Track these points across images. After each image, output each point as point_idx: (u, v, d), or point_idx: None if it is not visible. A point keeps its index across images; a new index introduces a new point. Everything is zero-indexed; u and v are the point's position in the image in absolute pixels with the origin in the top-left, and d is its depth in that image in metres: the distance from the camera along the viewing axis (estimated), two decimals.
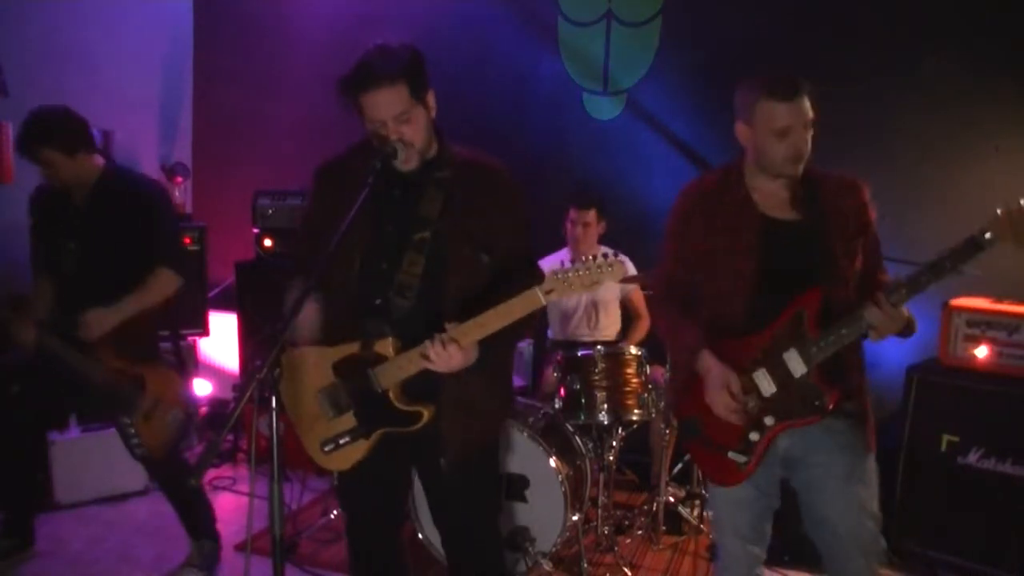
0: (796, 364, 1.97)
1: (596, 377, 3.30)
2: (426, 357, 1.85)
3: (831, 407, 1.97)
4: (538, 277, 1.79)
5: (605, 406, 3.27)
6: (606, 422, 3.30)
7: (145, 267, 2.85)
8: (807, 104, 1.99)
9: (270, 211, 4.38)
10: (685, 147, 4.22)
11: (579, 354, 3.34)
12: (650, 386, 3.35)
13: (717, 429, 2.09)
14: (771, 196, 2.08)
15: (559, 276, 1.72)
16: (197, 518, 3.16)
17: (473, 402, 2.01)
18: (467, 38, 4.53)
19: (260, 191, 4.44)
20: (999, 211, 1.81)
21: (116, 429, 2.91)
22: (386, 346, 1.94)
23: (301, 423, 2.11)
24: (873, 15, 3.80)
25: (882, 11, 3.78)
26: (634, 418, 3.34)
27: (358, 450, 2.03)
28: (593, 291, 1.74)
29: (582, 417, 3.29)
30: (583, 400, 3.28)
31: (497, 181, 2.04)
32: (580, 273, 1.71)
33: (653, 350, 3.47)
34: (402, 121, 1.90)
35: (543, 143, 4.43)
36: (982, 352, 3.19)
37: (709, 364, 2.03)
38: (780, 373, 1.99)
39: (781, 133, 1.98)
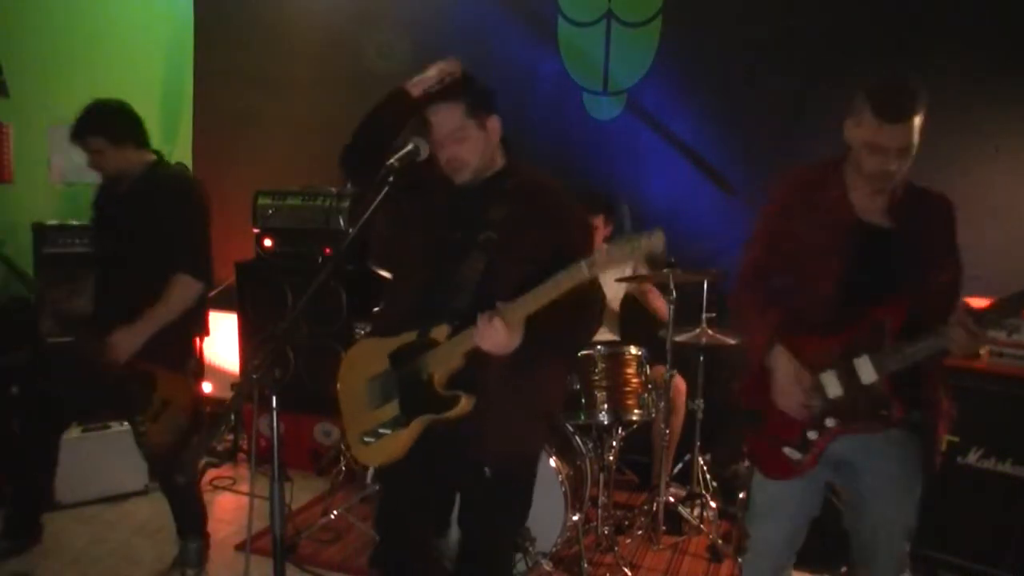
0: (867, 371, 1.96)
1: (596, 377, 3.30)
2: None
3: (897, 418, 1.97)
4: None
5: (605, 406, 3.26)
6: (606, 422, 3.30)
7: (166, 267, 2.86)
8: (913, 127, 1.90)
9: (270, 211, 4.38)
10: (685, 147, 4.22)
11: (579, 354, 3.34)
12: (650, 386, 3.35)
13: (777, 423, 2.10)
14: (869, 200, 2.04)
15: (602, 252, 1.77)
16: (191, 517, 3.16)
17: (516, 410, 2.04)
18: (467, 38, 4.52)
19: (260, 191, 4.43)
20: None
21: (130, 425, 2.98)
22: (441, 332, 1.99)
23: (348, 416, 2.17)
24: (873, 15, 3.80)
25: (882, 11, 3.78)
26: (634, 418, 3.34)
27: (397, 442, 2.03)
28: (634, 260, 1.79)
29: (582, 417, 3.28)
30: (583, 400, 3.28)
31: (562, 201, 2.12)
32: (620, 247, 1.76)
33: (653, 350, 3.47)
34: (456, 139, 2.03)
35: (543, 143, 4.42)
36: (982, 352, 3.19)
37: (781, 360, 2.04)
38: (849, 377, 1.99)
39: (872, 149, 1.93)
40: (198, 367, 3.07)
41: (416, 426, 2.01)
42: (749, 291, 2.20)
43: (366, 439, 2.08)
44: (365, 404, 2.09)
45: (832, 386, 2.01)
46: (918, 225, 2.00)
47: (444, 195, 2.10)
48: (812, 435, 2.05)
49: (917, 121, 1.89)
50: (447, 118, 2.04)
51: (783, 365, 2.04)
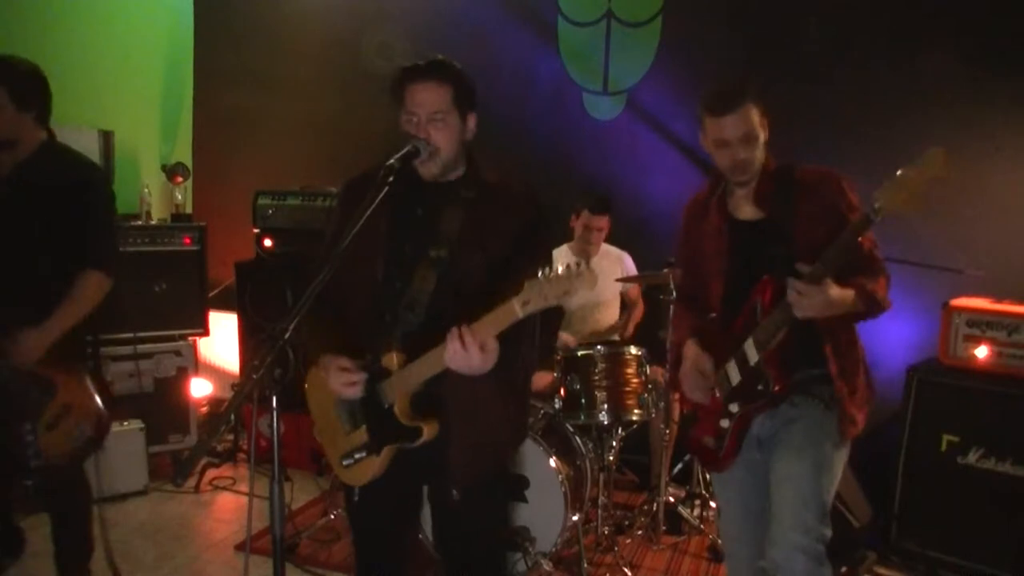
0: (751, 352, 2.09)
1: (596, 377, 3.30)
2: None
3: (777, 390, 2.07)
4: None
5: (605, 406, 3.27)
6: (606, 422, 3.30)
7: (70, 261, 2.58)
8: (748, 116, 2.05)
9: (270, 211, 4.38)
10: (685, 147, 4.21)
11: (579, 354, 3.34)
12: (650, 386, 3.35)
13: (700, 417, 2.27)
14: (740, 198, 2.20)
15: (534, 288, 1.69)
16: (79, 546, 2.86)
17: (484, 428, 1.99)
18: (467, 38, 4.52)
19: (260, 191, 4.43)
20: (884, 183, 1.88)
21: (11, 436, 2.53)
22: (391, 360, 1.93)
23: (326, 436, 2.13)
24: (873, 15, 3.79)
25: (882, 11, 3.78)
26: (634, 418, 3.34)
27: (373, 465, 2.01)
28: (565, 301, 1.74)
29: (582, 417, 3.29)
30: (583, 400, 3.28)
31: (522, 208, 2.02)
32: (553, 284, 1.68)
33: (653, 350, 3.47)
34: (434, 120, 1.90)
35: (543, 143, 4.43)
36: (982, 352, 3.19)
37: (688, 351, 2.22)
38: (742, 362, 2.12)
39: (719, 145, 2.09)
40: (98, 371, 2.74)
41: (387, 452, 1.99)
42: (676, 302, 2.47)
43: (345, 462, 2.05)
44: (339, 428, 2.05)
45: (734, 374, 2.14)
46: (787, 208, 2.11)
47: (394, 201, 1.90)
48: (724, 423, 2.19)
49: (751, 112, 2.05)
50: (432, 98, 1.89)
51: (688, 355, 2.21)
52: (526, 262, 1.94)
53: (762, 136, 2.10)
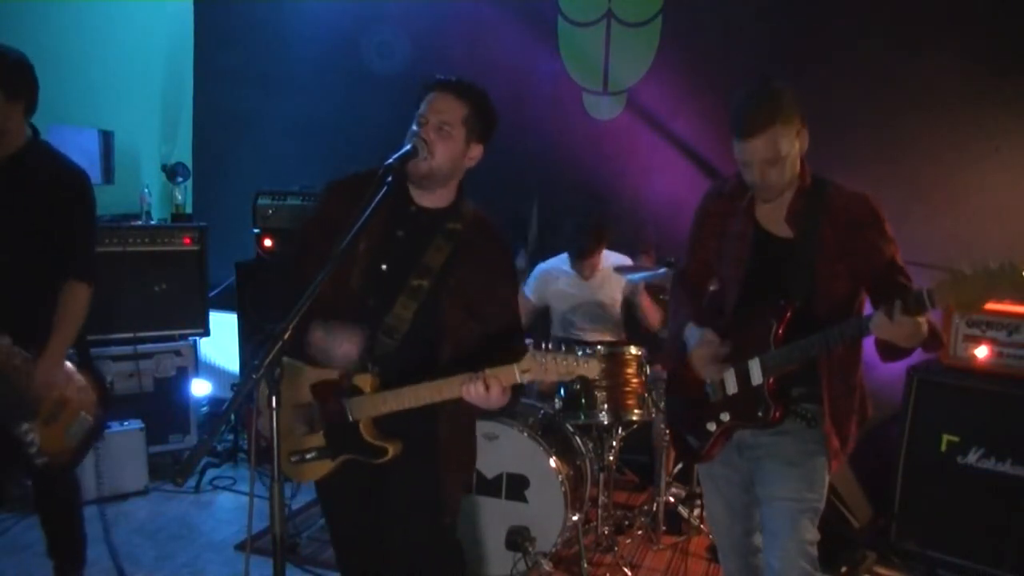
0: (756, 373, 2.07)
1: (596, 377, 3.28)
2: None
3: (774, 420, 2.05)
4: (518, 352, 1.85)
5: (605, 406, 3.26)
6: (606, 422, 3.29)
7: (53, 268, 2.51)
8: (774, 139, 1.94)
9: (270, 211, 4.37)
10: (685, 147, 4.22)
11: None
12: (650, 386, 3.35)
13: (683, 411, 2.27)
14: (771, 210, 2.12)
15: (539, 360, 1.80)
16: (74, 545, 2.86)
17: (468, 454, 2.17)
18: (467, 38, 4.53)
19: (260, 191, 4.43)
20: (947, 277, 1.79)
21: (11, 439, 2.50)
22: (365, 381, 1.96)
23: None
24: (874, 15, 3.80)
25: (883, 11, 3.78)
26: (634, 418, 3.34)
27: (323, 467, 2.06)
28: (564, 379, 1.93)
29: (582, 417, 3.28)
30: (583, 400, 3.28)
31: (499, 248, 2.11)
32: (558, 362, 1.80)
33: (654, 350, 3.47)
34: (441, 129, 1.94)
35: (543, 143, 4.43)
36: (982, 352, 3.19)
37: (692, 332, 2.18)
38: (743, 377, 2.09)
39: (744, 164, 2.03)
40: (87, 362, 2.70)
41: (342, 460, 2.04)
42: (676, 290, 2.40)
43: (292, 459, 2.07)
44: (292, 427, 2.06)
45: (731, 383, 2.12)
46: (815, 232, 2.05)
47: (383, 219, 1.96)
48: (711, 427, 2.18)
49: (779, 134, 1.94)
50: (447, 108, 1.95)
51: (694, 330, 2.17)
52: (506, 294, 2.11)
53: (793, 152, 1.99)
